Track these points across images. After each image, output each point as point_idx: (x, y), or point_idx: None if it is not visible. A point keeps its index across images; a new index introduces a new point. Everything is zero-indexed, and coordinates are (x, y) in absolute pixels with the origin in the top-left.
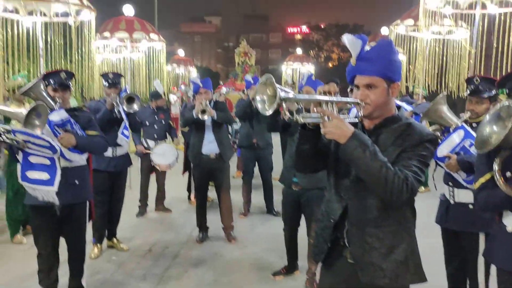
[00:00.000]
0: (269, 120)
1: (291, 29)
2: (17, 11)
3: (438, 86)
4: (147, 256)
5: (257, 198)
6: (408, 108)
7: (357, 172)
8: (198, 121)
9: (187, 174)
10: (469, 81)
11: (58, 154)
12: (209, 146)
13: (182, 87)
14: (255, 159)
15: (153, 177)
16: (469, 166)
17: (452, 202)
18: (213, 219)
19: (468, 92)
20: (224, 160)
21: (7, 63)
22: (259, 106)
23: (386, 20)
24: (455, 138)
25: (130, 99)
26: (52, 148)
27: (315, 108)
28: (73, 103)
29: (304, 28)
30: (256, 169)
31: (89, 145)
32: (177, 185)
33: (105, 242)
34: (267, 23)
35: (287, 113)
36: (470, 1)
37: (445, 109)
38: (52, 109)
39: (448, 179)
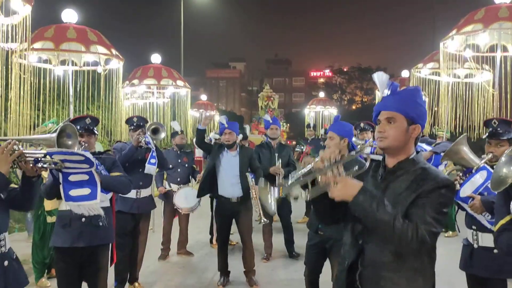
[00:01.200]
0: None
1: (313, 73)
2: (49, 61)
3: (460, 129)
4: None
5: (279, 241)
6: (428, 148)
7: (366, 224)
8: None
9: (210, 217)
10: (487, 123)
11: (95, 167)
12: (231, 189)
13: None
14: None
15: (176, 221)
16: (493, 207)
17: (475, 246)
18: (235, 263)
19: (487, 134)
20: (246, 203)
21: (39, 109)
22: (268, 207)
23: (408, 63)
24: (478, 178)
25: (155, 130)
26: (88, 161)
27: (319, 178)
28: (98, 148)
29: (327, 72)
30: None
31: (112, 184)
32: (200, 228)
33: (127, 286)
34: (289, 67)
35: (293, 199)
36: (491, 44)
37: (466, 150)
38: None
39: (471, 222)
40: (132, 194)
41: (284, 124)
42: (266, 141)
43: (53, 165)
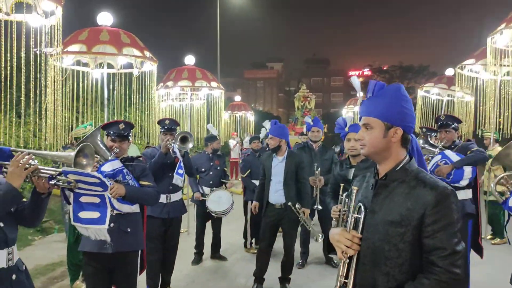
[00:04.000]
0: None
1: (352, 72)
2: (86, 65)
3: (509, 129)
4: None
5: (316, 247)
6: (455, 159)
7: None
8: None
9: (243, 220)
10: None
11: (108, 190)
12: (276, 195)
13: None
14: (314, 209)
15: (208, 224)
16: None
17: None
18: (269, 269)
19: None
20: (292, 211)
21: (78, 112)
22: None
23: (451, 61)
24: None
25: (184, 138)
26: (103, 184)
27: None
28: (134, 150)
29: (366, 71)
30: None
31: (138, 196)
32: (233, 231)
33: None
34: (328, 66)
35: None
36: None
37: None
38: (106, 160)
39: None
40: (162, 198)
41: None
42: (307, 143)
43: (66, 184)
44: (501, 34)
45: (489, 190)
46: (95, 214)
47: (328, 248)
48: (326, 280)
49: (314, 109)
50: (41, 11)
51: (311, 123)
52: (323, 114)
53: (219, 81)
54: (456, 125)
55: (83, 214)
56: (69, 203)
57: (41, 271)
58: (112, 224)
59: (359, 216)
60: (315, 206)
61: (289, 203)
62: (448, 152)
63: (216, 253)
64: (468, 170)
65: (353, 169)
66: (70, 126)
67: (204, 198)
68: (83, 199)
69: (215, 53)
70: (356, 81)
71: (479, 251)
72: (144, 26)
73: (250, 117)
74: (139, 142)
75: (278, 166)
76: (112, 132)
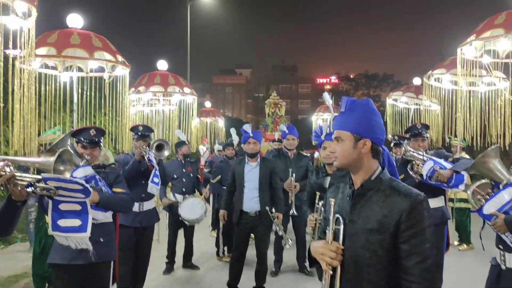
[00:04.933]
0: None
1: (320, 80)
2: (55, 68)
3: (478, 137)
4: None
5: (289, 255)
6: (447, 165)
7: None
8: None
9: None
10: None
11: (91, 196)
12: (251, 203)
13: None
14: (290, 216)
15: (181, 232)
16: None
17: (503, 267)
18: (242, 278)
19: None
20: (266, 218)
21: (45, 117)
22: None
23: (415, 70)
24: (505, 195)
25: (159, 146)
26: (85, 191)
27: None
28: (109, 155)
29: (334, 79)
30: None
31: (112, 203)
32: (206, 240)
33: None
34: (296, 73)
35: None
36: (510, 50)
37: (496, 162)
38: (77, 166)
39: (499, 241)
40: (135, 207)
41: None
42: (282, 151)
43: (45, 192)
44: (471, 45)
45: (455, 197)
46: (76, 222)
47: (310, 261)
48: None
49: (284, 116)
50: (20, 13)
51: (287, 131)
52: (291, 120)
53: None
54: (427, 133)
55: (62, 222)
56: (46, 212)
57: (3, 283)
58: (91, 214)
59: (339, 227)
60: (291, 212)
61: (266, 208)
62: (435, 158)
63: (188, 262)
64: (466, 176)
65: (329, 178)
66: (36, 133)
67: (173, 201)
68: (62, 207)
69: (185, 58)
70: (327, 97)
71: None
72: (113, 30)
73: (221, 123)
74: (107, 148)
75: (251, 173)
76: (82, 139)
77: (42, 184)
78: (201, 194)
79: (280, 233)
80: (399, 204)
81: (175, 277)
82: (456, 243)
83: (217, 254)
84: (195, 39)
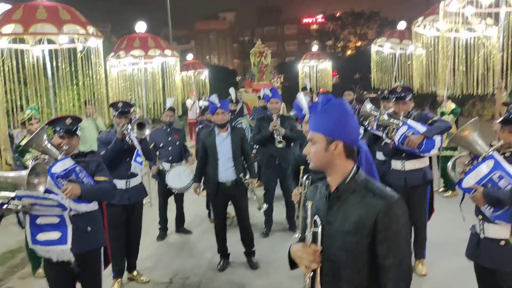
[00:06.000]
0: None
1: (306, 20)
2: (23, 41)
3: (463, 86)
4: None
5: (279, 214)
6: (422, 130)
7: None
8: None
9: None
10: (506, 106)
11: (68, 211)
12: (226, 173)
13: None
14: (277, 178)
15: (171, 199)
16: (496, 201)
17: (482, 236)
18: (234, 241)
19: (502, 119)
20: (241, 186)
21: (20, 94)
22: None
23: (401, 6)
24: (484, 168)
25: (140, 125)
26: (61, 206)
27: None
28: (100, 124)
29: (320, 19)
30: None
31: (95, 194)
32: (197, 201)
33: (126, 275)
34: (281, 15)
35: None
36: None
37: (475, 136)
38: (55, 160)
39: (478, 211)
40: (122, 184)
41: (279, 77)
42: (266, 114)
43: (20, 208)
44: None
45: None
46: (56, 235)
47: (290, 263)
48: None
49: (270, 60)
50: None
51: (270, 95)
52: (278, 63)
53: (171, 42)
54: (411, 95)
55: (42, 236)
56: (23, 227)
57: (0, 261)
58: (71, 225)
59: (316, 230)
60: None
61: (241, 175)
62: (411, 122)
63: (180, 227)
64: (438, 140)
65: None
66: (10, 109)
67: (161, 170)
68: (40, 220)
69: (165, 5)
70: (301, 98)
71: (430, 213)
72: None
73: (204, 74)
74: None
75: (223, 144)
76: (59, 129)
77: (16, 202)
78: (186, 161)
79: (254, 198)
80: (375, 205)
81: (168, 244)
82: (441, 189)
83: (209, 216)
84: None
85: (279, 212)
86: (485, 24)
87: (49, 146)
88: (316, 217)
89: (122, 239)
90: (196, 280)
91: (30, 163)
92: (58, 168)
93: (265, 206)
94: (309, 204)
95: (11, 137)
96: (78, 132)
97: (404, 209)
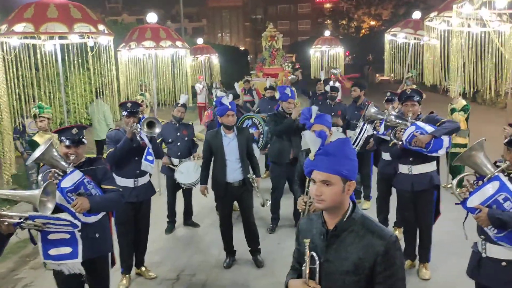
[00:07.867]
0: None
1: None
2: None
3: (475, 84)
4: (175, 285)
5: (286, 209)
6: (430, 130)
7: None
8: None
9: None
10: None
11: (79, 228)
12: (234, 174)
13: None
14: (286, 176)
15: (179, 193)
16: (500, 223)
17: (483, 255)
18: (241, 238)
19: (508, 139)
20: (247, 185)
21: (32, 86)
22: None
23: None
24: (489, 189)
25: (150, 124)
26: (72, 225)
27: None
28: (108, 117)
29: None
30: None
31: (103, 205)
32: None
33: (134, 270)
34: None
35: None
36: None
37: (481, 156)
38: (64, 172)
39: (481, 231)
40: (130, 183)
41: (291, 56)
42: (277, 109)
43: (33, 226)
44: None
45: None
46: (67, 250)
47: None
48: None
49: (282, 38)
50: None
51: (289, 94)
52: (291, 43)
53: (182, 19)
54: (420, 98)
55: (54, 251)
56: (35, 244)
57: (12, 250)
58: (80, 233)
59: (314, 266)
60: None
61: (248, 176)
62: (419, 123)
63: (188, 220)
64: (446, 140)
65: None
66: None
67: (172, 167)
68: (52, 237)
69: None
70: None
71: (435, 216)
72: None
73: (215, 60)
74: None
75: (231, 145)
76: (65, 139)
77: (29, 221)
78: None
79: (259, 195)
80: (374, 246)
81: (176, 238)
82: (449, 185)
83: (217, 208)
84: None
85: (287, 206)
86: (501, 21)
87: (58, 158)
88: (313, 253)
89: (130, 235)
90: (202, 278)
91: (39, 179)
92: (67, 183)
93: (268, 203)
94: (306, 243)
95: (23, 126)
96: (84, 140)
97: (401, 248)
